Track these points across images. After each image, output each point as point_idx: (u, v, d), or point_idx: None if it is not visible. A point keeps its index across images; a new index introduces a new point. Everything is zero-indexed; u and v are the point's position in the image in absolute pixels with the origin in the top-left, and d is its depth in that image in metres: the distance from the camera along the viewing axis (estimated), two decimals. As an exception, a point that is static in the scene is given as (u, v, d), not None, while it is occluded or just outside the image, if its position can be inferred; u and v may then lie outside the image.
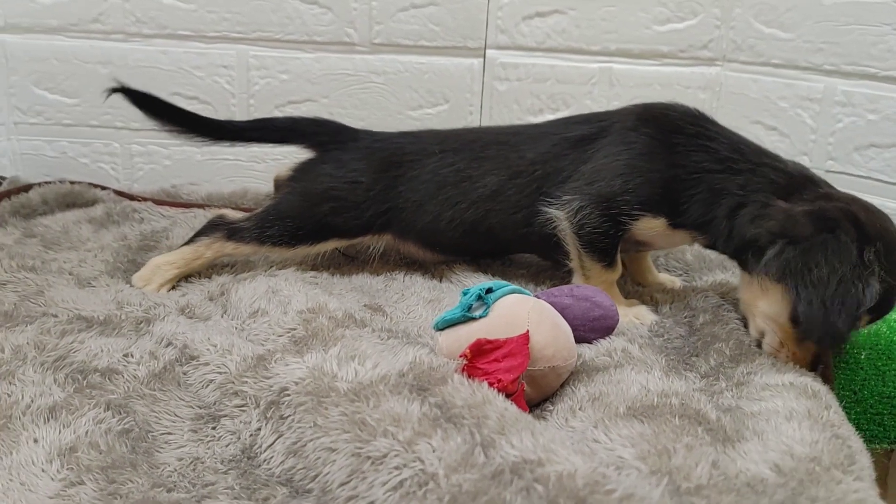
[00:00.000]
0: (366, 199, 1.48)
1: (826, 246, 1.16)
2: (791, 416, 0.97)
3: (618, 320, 1.24)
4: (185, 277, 1.47)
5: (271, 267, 1.51)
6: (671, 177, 1.33)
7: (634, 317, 1.36)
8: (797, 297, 1.15)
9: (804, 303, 1.14)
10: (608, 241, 1.37)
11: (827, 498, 0.81)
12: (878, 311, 1.19)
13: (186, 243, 1.48)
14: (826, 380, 1.17)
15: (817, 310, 1.13)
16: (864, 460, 0.94)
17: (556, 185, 1.41)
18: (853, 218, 1.18)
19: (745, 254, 1.28)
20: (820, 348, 1.20)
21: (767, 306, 1.23)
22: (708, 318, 1.31)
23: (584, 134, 1.43)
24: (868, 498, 0.84)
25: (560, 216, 1.38)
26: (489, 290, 1.06)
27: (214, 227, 1.47)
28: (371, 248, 1.53)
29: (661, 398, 0.99)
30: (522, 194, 1.44)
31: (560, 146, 1.44)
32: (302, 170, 1.56)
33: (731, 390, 1.11)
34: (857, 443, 0.97)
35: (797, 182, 1.28)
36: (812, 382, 1.11)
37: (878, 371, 1.38)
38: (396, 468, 0.79)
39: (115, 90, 1.55)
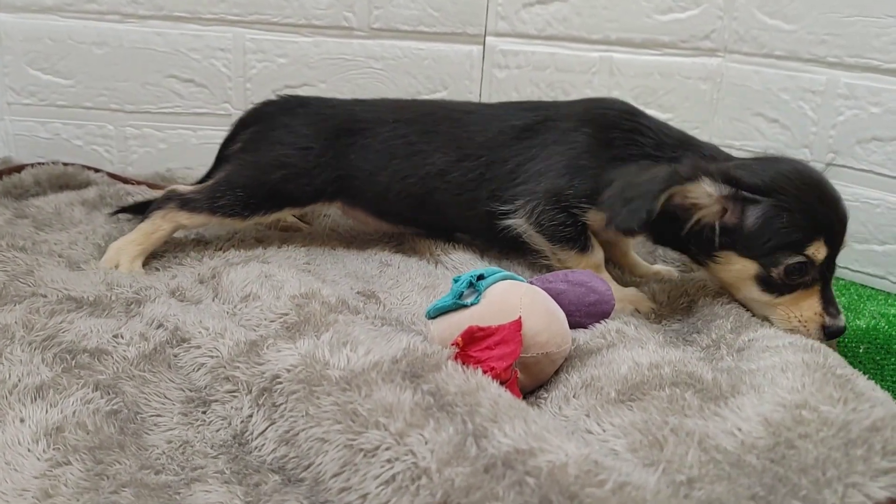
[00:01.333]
0: (317, 165, 1.49)
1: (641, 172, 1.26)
2: (786, 367, 0.98)
3: (613, 304, 1.23)
4: (175, 259, 1.47)
5: (265, 249, 1.50)
6: (610, 171, 1.35)
7: (630, 303, 1.35)
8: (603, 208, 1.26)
9: (607, 210, 1.24)
10: (571, 229, 1.38)
11: (811, 453, 0.81)
12: (821, 232, 1.20)
13: (142, 219, 1.48)
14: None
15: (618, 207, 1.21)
16: (874, 394, 0.94)
17: (503, 181, 1.44)
18: (726, 173, 1.21)
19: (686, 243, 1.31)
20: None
21: (737, 273, 1.25)
22: (707, 300, 1.31)
23: (528, 123, 1.47)
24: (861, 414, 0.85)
25: (520, 222, 1.41)
26: (480, 277, 1.04)
27: (167, 200, 1.48)
28: (322, 214, 1.56)
29: (651, 370, 0.99)
30: (467, 178, 1.46)
31: (505, 134, 1.47)
32: (251, 139, 1.56)
33: (732, 355, 1.11)
34: (864, 382, 0.97)
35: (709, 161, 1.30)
36: (812, 342, 1.11)
37: (877, 365, 1.37)
38: (388, 461, 0.79)
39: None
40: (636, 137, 1.38)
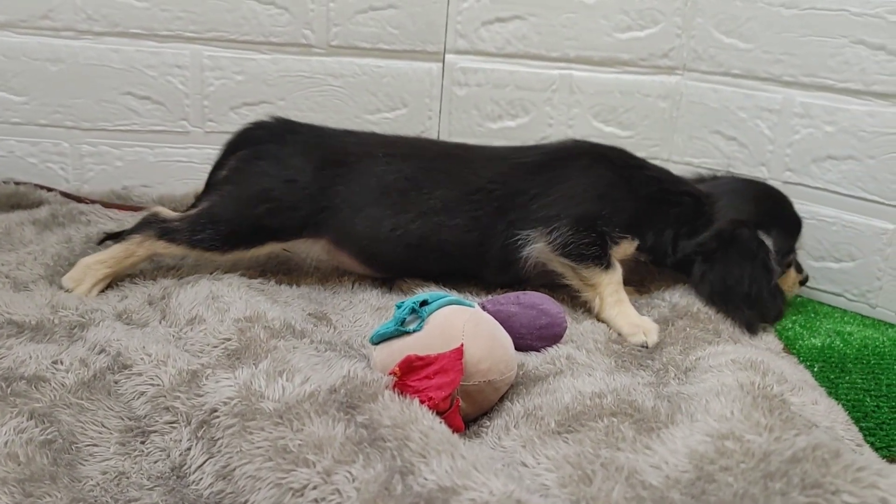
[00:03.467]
0: (302, 197, 1.43)
1: (730, 255, 1.47)
2: (721, 391, 1.00)
3: (565, 327, 1.22)
4: (129, 278, 1.43)
5: (216, 271, 1.47)
6: (639, 207, 1.49)
7: (644, 332, 1.34)
8: (729, 313, 1.42)
9: (736, 313, 1.42)
10: (597, 248, 1.42)
11: (731, 487, 0.81)
12: (798, 232, 1.60)
13: (118, 241, 1.43)
14: None
15: (746, 313, 1.42)
16: (805, 417, 0.96)
17: (523, 210, 1.44)
18: (737, 221, 1.50)
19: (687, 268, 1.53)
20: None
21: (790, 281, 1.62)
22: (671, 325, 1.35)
23: (536, 161, 1.50)
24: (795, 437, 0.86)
25: (539, 247, 1.43)
26: (424, 303, 1.03)
27: (147, 225, 1.42)
28: (308, 255, 1.49)
29: (592, 400, 0.99)
30: (481, 212, 1.43)
31: (518, 169, 1.48)
32: (236, 169, 1.50)
33: (679, 377, 1.12)
34: (800, 398, 1.02)
35: (701, 204, 1.55)
36: (755, 355, 1.14)
37: (832, 384, 1.37)
38: (315, 501, 0.78)
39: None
40: (646, 174, 1.53)
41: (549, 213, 1.43)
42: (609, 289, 1.41)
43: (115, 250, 1.41)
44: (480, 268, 1.49)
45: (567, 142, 1.60)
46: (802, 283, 1.63)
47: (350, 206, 1.43)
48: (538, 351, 1.19)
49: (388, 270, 1.50)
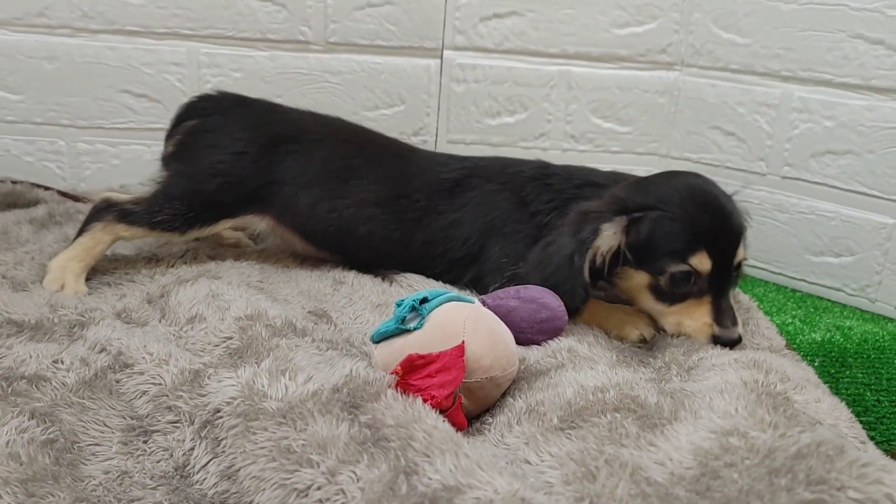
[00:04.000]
0: (252, 170, 1.46)
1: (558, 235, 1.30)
2: (725, 389, 0.98)
3: (566, 320, 1.22)
4: (127, 276, 1.44)
5: (217, 264, 1.47)
6: (535, 226, 1.40)
7: (635, 326, 1.32)
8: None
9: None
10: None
11: (735, 483, 0.80)
12: (703, 243, 1.24)
13: (79, 234, 1.44)
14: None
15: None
16: (809, 414, 0.94)
17: (435, 230, 1.45)
18: (615, 201, 1.28)
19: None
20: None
21: (634, 285, 1.31)
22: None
23: (457, 178, 1.49)
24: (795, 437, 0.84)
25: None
26: (424, 300, 1.02)
27: (104, 211, 1.44)
28: (256, 230, 1.53)
29: (595, 395, 0.98)
30: (404, 216, 1.47)
31: (438, 185, 1.49)
32: (183, 144, 1.52)
33: (681, 375, 1.11)
34: (803, 397, 0.99)
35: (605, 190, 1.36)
36: (757, 355, 1.12)
37: (833, 378, 1.37)
38: (320, 501, 0.77)
39: None
40: (549, 188, 1.43)
41: (455, 244, 1.45)
42: (584, 317, 1.33)
43: (82, 242, 1.42)
44: (405, 265, 1.51)
45: (490, 162, 1.56)
46: (720, 342, 1.22)
47: (295, 183, 1.47)
48: (539, 344, 1.18)
49: (324, 249, 1.54)
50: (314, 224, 1.49)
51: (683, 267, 1.23)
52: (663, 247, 1.24)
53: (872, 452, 0.89)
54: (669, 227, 1.24)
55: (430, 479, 0.78)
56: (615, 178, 1.42)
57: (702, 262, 1.23)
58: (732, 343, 1.23)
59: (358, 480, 0.78)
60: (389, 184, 1.48)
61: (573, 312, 1.25)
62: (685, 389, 1.03)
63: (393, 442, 0.83)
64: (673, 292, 1.26)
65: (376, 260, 1.53)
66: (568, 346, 1.15)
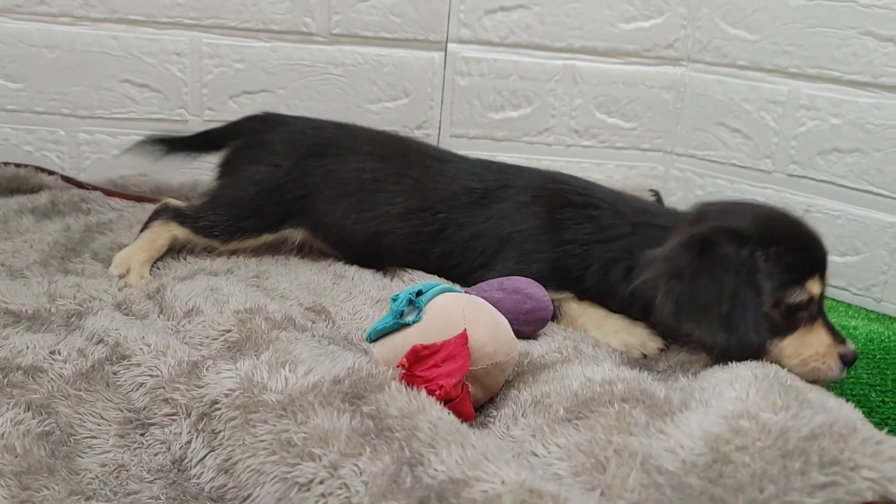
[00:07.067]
0: (285, 182, 1.51)
1: (706, 266, 1.16)
2: (735, 380, 0.97)
3: (552, 311, 1.21)
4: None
5: (213, 260, 1.47)
6: (563, 254, 1.35)
7: (635, 347, 1.26)
8: (700, 335, 1.15)
9: (708, 337, 1.14)
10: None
11: (748, 468, 0.79)
12: (816, 268, 1.19)
13: (142, 231, 1.50)
14: None
15: (722, 337, 1.12)
16: (821, 402, 0.92)
17: (460, 246, 1.43)
18: (723, 228, 1.19)
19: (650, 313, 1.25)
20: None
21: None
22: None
23: (486, 188, 1.46)
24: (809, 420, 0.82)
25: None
26: (419, 293, 1.01)
27: (163, 212, 1.51)
28: (290, 241, 1.55)
29: (603, 387, 0.97)
30: (424, 230, 1.46)
31: (464, 196, 1.46)
32: (229, 159, 1.59)
33: (688, 377, 1.10)
34: (816, 394, 0.96)
35: (671, 231, 1.27)
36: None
37: (837, 380, 1.36)
38: (322, 496, 0.76)
39: None
40: (591, 213, 1.36)
41: (474, 262, 1.42)
42: (577, 323, 1.32)
43: (144, 236, 1.49)
44: (428, 271, 1.48)
45: (529, 174, 1.50)
46: (847, 361, 1.17)
47: (325, 196, 1.51)
48: (525, 336, 1.18)
49: (353, 257, 1.55)
50: (343, 236, 1.52)
51: (802, 295, 1.17)
52: (779, 279, 1.17)
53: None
54: (785, 259, 1.17)
55: (435, 470, 0.77)
56: (676, 216, 1.33)
57: (816, 286, 1.18)
58: (855, 358, 1.18)
59: (361, 474, 0.76)
60: (412, 196, 1.47)
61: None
62: (693, 385, 1.02)
63: (397, 432, 0.82)
64: (786, 324, 1.17)
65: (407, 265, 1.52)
66: (573, 344, 1.15)
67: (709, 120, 1.87)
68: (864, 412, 1.31)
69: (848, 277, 1.68)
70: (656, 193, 1.91)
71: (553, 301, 1.29)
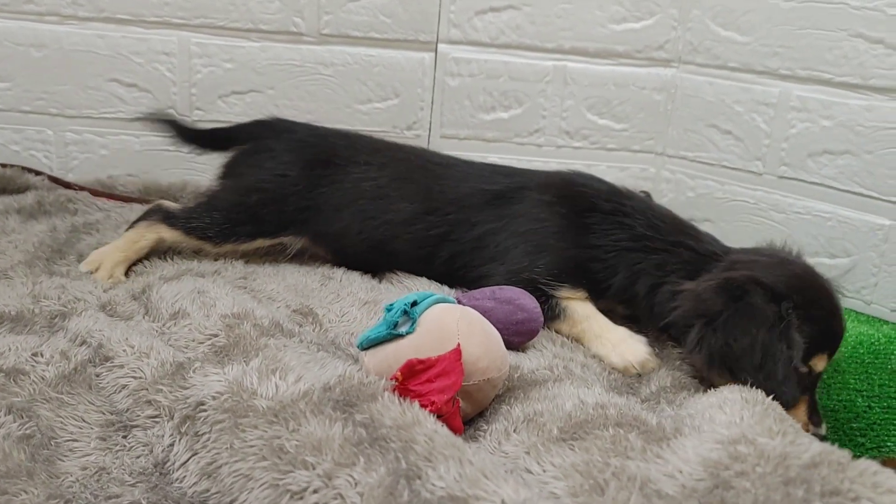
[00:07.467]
0: (292, 192, 1.49)
1: (739, 315, 1.15)
2: (724, 404, 0.97)
3: (542, 322, 1.20)
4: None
5: (199, 261, 1.46)
6: (586, 257, 1.34)
7: (634, 359, 1.23)
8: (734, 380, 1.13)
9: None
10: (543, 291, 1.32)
11: (749, 494, 0.78)
12: (827, 346, 1.19)
13: (127, 230, 1.49)
14: None
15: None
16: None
17: (469, 245, 1.41)
18: (757, 280, 1.18)
19: (670, 330, 1.28)
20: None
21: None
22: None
23: (501, 190, 1.44)
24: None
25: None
26: (414, 304, 1.00)
27: (153, 212, 1.50)
28: (288, 248, 1.53)
29: (596, 410, 0.96)
30: (430, 233, 1.44)
31: (475, 197, 1.45)
32: (233, 162, 1.57)
33: (672, 406, 1.08)
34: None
35: (705, 260, 1.28)
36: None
37: (824, 384, 1.35)
38: None
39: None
40: (621, 220, 1.34)
41: (488, 272, 1.39)
42: (577, 329, 1.30)
43: (127, 235, 1.47)
44: (433, 278, 1.47)
45: (546, 175, 1.49)
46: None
47: (328, 206, 1.49)
48: (515, 347, 1.17)
49: (356, 265, 1.53)
50: (346, 245, 1.51)
51: (803, 369, 1.16)
52: (810, 349, 1.16)
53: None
54: (813, 326, 1.16)
55: (434, 485, 0.75)
56: (712, 243, 1.33)
57: (819, 364, 1.17)
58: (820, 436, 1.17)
59: (356, 485, 0.75)
60: (418, 200, 1.46)
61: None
62: (680, 413, 1.01)
63: (393, 443, 0.80)
64: None
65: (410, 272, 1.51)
66: (563, 363, 1.14)
67: (700, 121, 1.87)
68: (850, 417, 1.32)
69: (838, 280, 1.67)
70: (647, 195, 1.90)
71: (558, 299, 1.30)
